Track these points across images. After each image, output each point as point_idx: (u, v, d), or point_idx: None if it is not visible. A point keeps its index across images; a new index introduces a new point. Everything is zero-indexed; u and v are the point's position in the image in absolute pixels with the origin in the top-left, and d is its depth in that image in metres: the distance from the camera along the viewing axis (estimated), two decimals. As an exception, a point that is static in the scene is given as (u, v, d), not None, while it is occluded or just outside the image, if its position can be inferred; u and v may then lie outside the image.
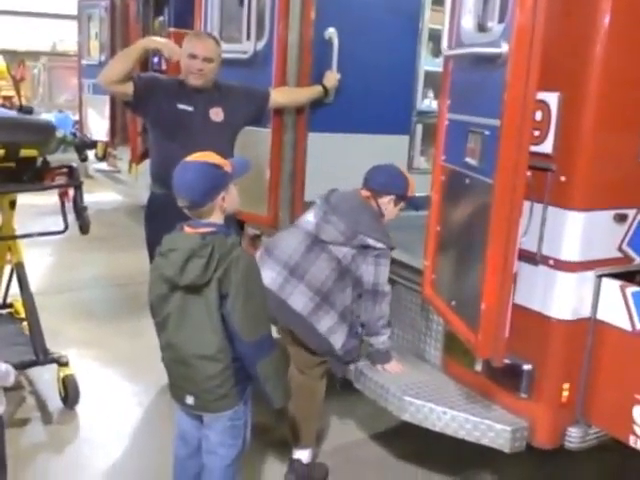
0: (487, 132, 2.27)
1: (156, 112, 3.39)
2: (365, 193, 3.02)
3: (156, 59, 6.99)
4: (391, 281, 3.22)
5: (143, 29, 7.00)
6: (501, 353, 2.23)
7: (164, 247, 2.30)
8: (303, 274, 2.86)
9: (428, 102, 4.66)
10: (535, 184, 2.34)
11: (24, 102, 10.13)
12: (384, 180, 3.02)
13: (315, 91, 3.87)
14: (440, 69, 4.52)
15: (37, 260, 5.92)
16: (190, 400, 2.38)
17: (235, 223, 3.40)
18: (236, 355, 2.32)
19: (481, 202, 2.32)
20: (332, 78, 3.91)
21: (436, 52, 4.71)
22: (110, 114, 7.74)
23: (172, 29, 6.70)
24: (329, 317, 2.85)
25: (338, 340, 2.88)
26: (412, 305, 3.14)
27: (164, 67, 6.84)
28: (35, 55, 13.60)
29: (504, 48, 2.13)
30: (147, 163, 7.08)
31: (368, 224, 2.90)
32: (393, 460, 3.21)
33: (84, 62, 8.54)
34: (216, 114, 3.47)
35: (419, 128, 4.55)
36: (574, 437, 2.54)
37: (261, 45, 3.87)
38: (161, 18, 6.99)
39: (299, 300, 2.84)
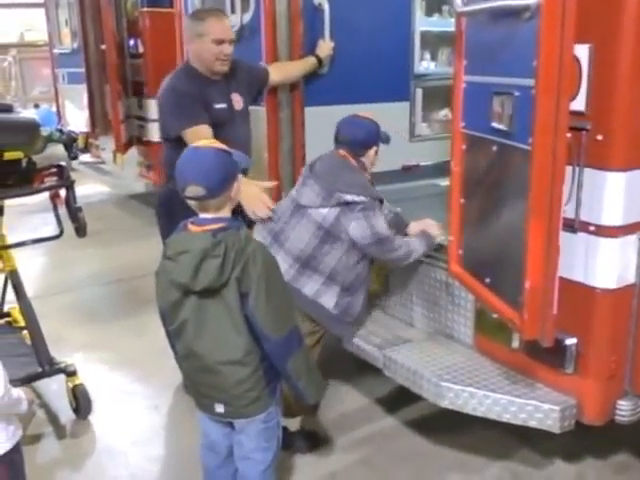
0: (517, 93, 2.08)
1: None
2: (342, 152, 2.90)
3: (132, 42, 6.72)
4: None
5: (115, 11, 6.67)
6: (550, 333, 2.07)
7: (172, 250, 2.10)
8: (284, 241, 2.83)
9: (426, 64, 4.43)
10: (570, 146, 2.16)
11: (-3, 98, 9.79)
12: (364, 137, 2.90)
13: (309, 63, 3.66)
14: (436, 29, 4.45)
15: (29, 262, 5.67)
16: (220, 408, 2.22)
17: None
18: (264, 355, 2.16)
19: (514, 170, 2.14)
20: (326, 47, 3.70)
21: (430, 11, 4.49)
22: (89, 103, 7.45)
23: (146, 9, 6.42)
24: (313, 281, 2.78)
25: (329, 301, 2.79)
26: (435, 282, 2.97)
27: (140, 50, 6.60)
28: (3, 48, 13.12)
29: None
30: (132, 152, 6.94)
31: (344, 180, 2.79)
32: (428, 448, 3.07)
33: (56, 51, 8.23)
34: (237, 102, 3.25)
35: (419, 93, 4.33)
36: (625, 410, 2.40)
37: (248, 18, 3.65)
38: (133, -2, 6.66)
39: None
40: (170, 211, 3.20)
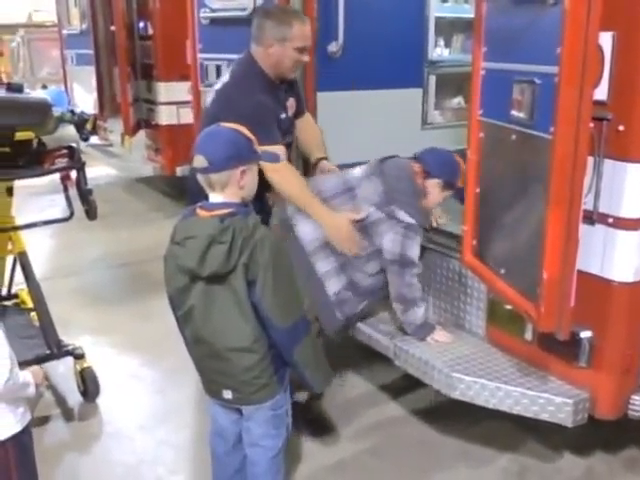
0: (539, 81, 2.04)
1: None
2: (416, 168, 2.89)
3: (142, 24, 6.65)
4: (422, 248, 3.03)
5: (126, -10, 6.60)
6: (567, 326, 2.04)
7: (179, 235, 2.09)
8: None
9: (440, 51, 4.39)
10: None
11: (5, 78, 9.73)
12: (437, 163, 2.90)
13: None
14: (450, 15, 4.40)
15: (37, 243, 5.67)
16: (228, 395, 2.21)
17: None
18: (272, 342, 2.15)
19: (534, 159, 2.11)
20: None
21: (444, -4, 4.44)
22: (97, 85, 7.41)
23: (156, -10, 6.35)
24: (328, 261, 2.81)
25: (333, 286, 2.81)
26: (448, 272, 2.94)
27: (150, 32, 6.54)
28: (11, 28, 12.99)
29: (557, -15, 1.89)
30: (140, 135, 6.89)
31: (405, 198, 2.80)
32: (435, 437, 3.05)
33: (65, 32, 8.17)
34: (291, 108, 3.07)
35: (432, 80, 4.30)
36: (639, 405, 2.38)
37: (261, -1, 3.61)
38: (144, -22, 6.58)
39: (304, 234, 2.83)
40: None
